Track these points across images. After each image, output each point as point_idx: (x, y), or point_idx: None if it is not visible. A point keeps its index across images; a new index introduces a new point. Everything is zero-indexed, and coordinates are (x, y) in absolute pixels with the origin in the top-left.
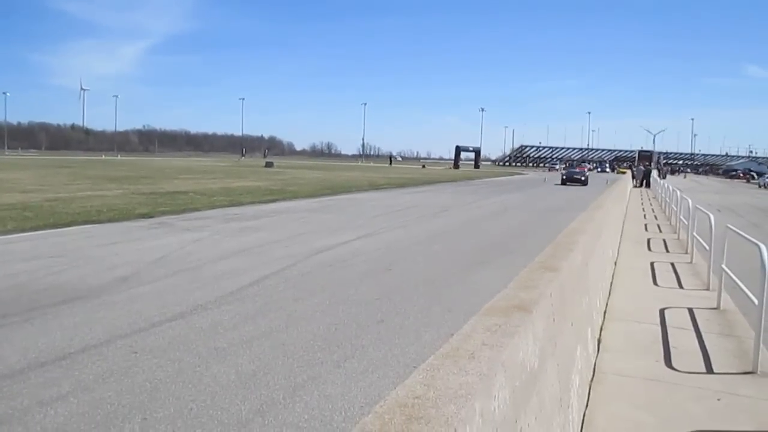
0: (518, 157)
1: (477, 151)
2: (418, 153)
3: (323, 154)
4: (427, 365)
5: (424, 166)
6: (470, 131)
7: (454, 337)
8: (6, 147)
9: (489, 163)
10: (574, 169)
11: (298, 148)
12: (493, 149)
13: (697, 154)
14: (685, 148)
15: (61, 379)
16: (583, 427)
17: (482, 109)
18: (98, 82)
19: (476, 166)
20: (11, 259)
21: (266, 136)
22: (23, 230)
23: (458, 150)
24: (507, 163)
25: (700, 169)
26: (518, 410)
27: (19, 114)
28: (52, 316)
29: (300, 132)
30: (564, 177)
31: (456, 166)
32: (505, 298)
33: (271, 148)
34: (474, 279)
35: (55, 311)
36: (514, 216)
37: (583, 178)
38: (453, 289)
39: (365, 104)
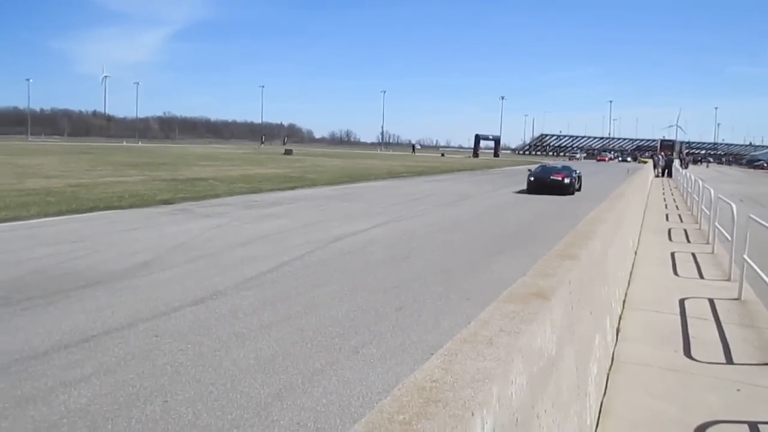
0: (538, 146)
1: (497, 140)
2: (437, 141)
3: (342, 141)
4: (445, 350)
5: (443, 155)
6: (490, 120)
7: (472, 323)
8: (29, 133)
9: (509, 152)
10: (554, 165)
11: (318, 135)
12: (513, 138)
13: (721, 144)
14: (708, 138)
15: (84, 361)
16: (601, 415)
17: (502, 98)
18: (120, 69)
19: (496, 154)
20: (35, 244)
21: (286, 123)
22: (47, 215)
23: (478, 138)
24: (527, 152)
25: (723, 159)
26: (535, 396)
27: (42, 100)
28: (75, 300)
29: (319, 120)
30: (531, 180)
31: (475, 154)
32: (524, 286)
33: (290, 135)
34: (492, 268)
35: (78, 295)
36: (533, 205)
37: (567, 182)
38: (471, 277)
39: (384, 92)
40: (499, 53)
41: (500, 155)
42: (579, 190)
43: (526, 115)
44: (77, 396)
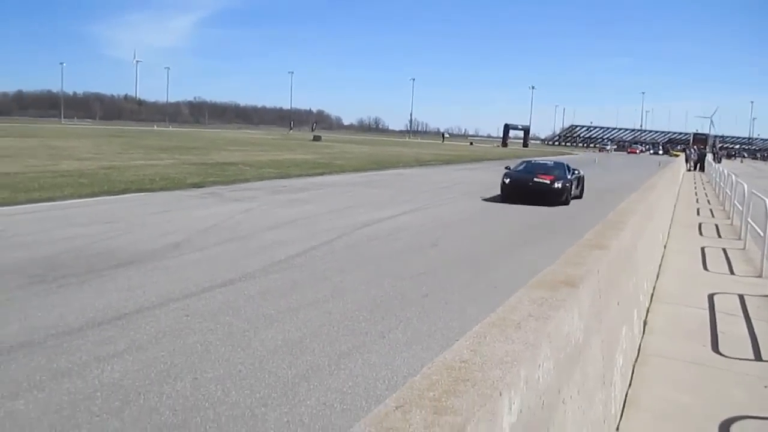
0: (568, 137)
1: (526, 130)
2: (465, 130)
3: (371, 129)
4: (473, 333)
5: (471, 144)
6: (519, 110)
7: (501, 307)
8: (62, 116)
9: (538, 142)
10: (544, 162)
11: (346, 122)
12: (543, 128)
13: (756, 139)
14: (743, 132)
15: (117, 338)
16: (625, 405)
17: (533, 87)
18: (151, 54)
19: (525, 144)
20: (69, 224)
21: (314, 109)
22: (80, 196)
23: (507, 128)
24: (556, 143)
25: (759, 154)
26: (561, 382)
27: (75, 84)
28: (108, 279)
29: (348, 106)
30: (507, 183)
31: (504, 144)
32: (553, 273)
33: (319, 122)
34: (520, 257)
35: (111, 274)
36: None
37: (556, 187)
38: (499, 266)
39: (414, 80)
40: (530, 42)
41: (529, 145)
42: (580, 197)
43: (556, 106)
44: (110, 371)
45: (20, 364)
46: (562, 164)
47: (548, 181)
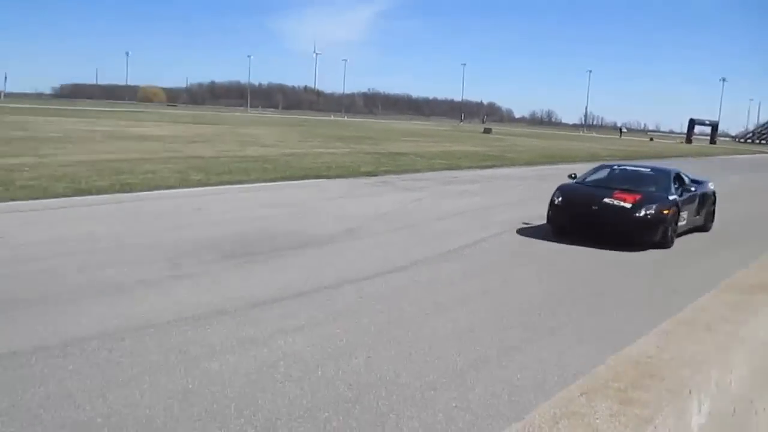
0: (764, 134)
1: (714, 126)
2: (645, 125)
3: (542, 122)
4: (660, 330)
5: (651, 139)
6: (707, 103)
7: (689, 308)
8: (249, 105)
9: (728, 139)
10: (634, 169)
11: (517, 115)
12: (734, 124)
13: None
14: None
15: (298, 313)
16: None
17: (723, 80)
18: (330, 47)
19: (712, 141)
20: (255, 206)
21: (485, 102)
22: (264, 180)
23: (692, 123)
24: (749, 140)
25: None
26: (754, 391)
27: (261, 75)
28: (289, 258)
29: (519, 99)
30: (557, 205)
31: (688, 140)
32: (746, 277)
33: (489, 114)
34: (704, 261)
35: (292, 254)
36: (754, 199)
37: (642, 216)
38: (678, 269)
39: (590, 71)
40: (722, 29)
41: (717, 142)
42: (704, 228)
43: (751, 99)
44: (292, 342)
45: (214, 330)
46: (668, 173)
47: (628, 205)
